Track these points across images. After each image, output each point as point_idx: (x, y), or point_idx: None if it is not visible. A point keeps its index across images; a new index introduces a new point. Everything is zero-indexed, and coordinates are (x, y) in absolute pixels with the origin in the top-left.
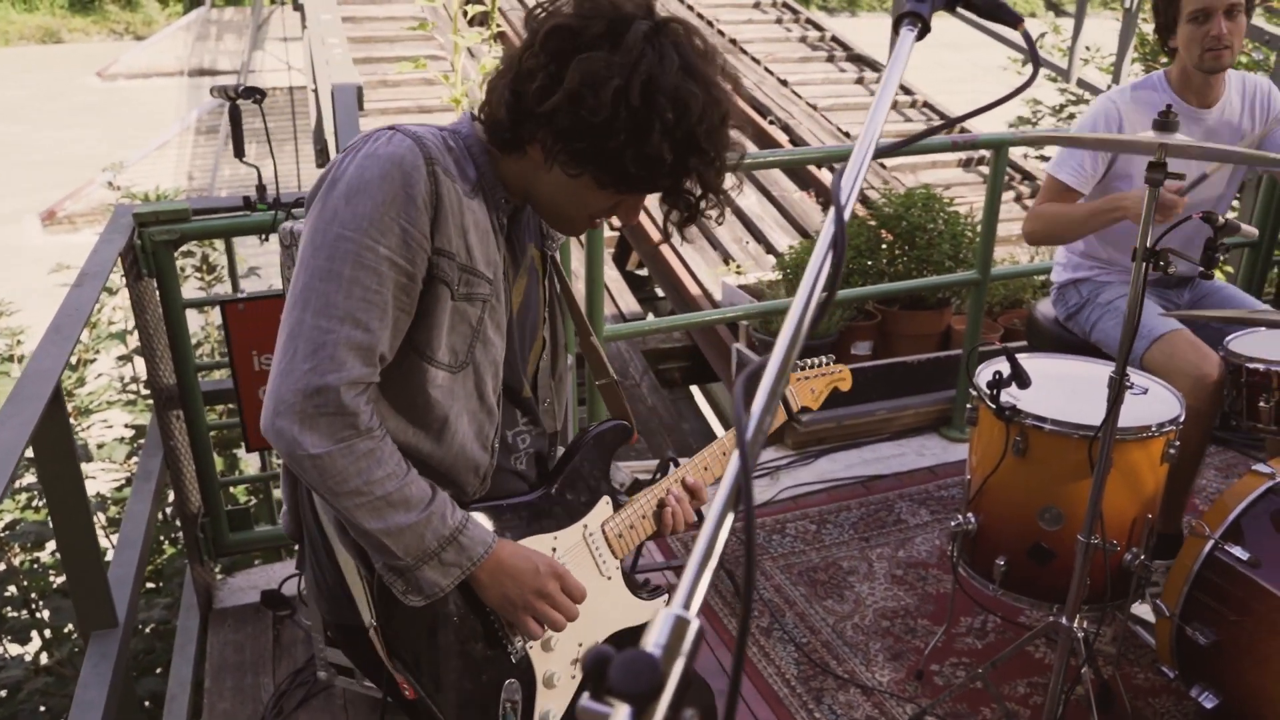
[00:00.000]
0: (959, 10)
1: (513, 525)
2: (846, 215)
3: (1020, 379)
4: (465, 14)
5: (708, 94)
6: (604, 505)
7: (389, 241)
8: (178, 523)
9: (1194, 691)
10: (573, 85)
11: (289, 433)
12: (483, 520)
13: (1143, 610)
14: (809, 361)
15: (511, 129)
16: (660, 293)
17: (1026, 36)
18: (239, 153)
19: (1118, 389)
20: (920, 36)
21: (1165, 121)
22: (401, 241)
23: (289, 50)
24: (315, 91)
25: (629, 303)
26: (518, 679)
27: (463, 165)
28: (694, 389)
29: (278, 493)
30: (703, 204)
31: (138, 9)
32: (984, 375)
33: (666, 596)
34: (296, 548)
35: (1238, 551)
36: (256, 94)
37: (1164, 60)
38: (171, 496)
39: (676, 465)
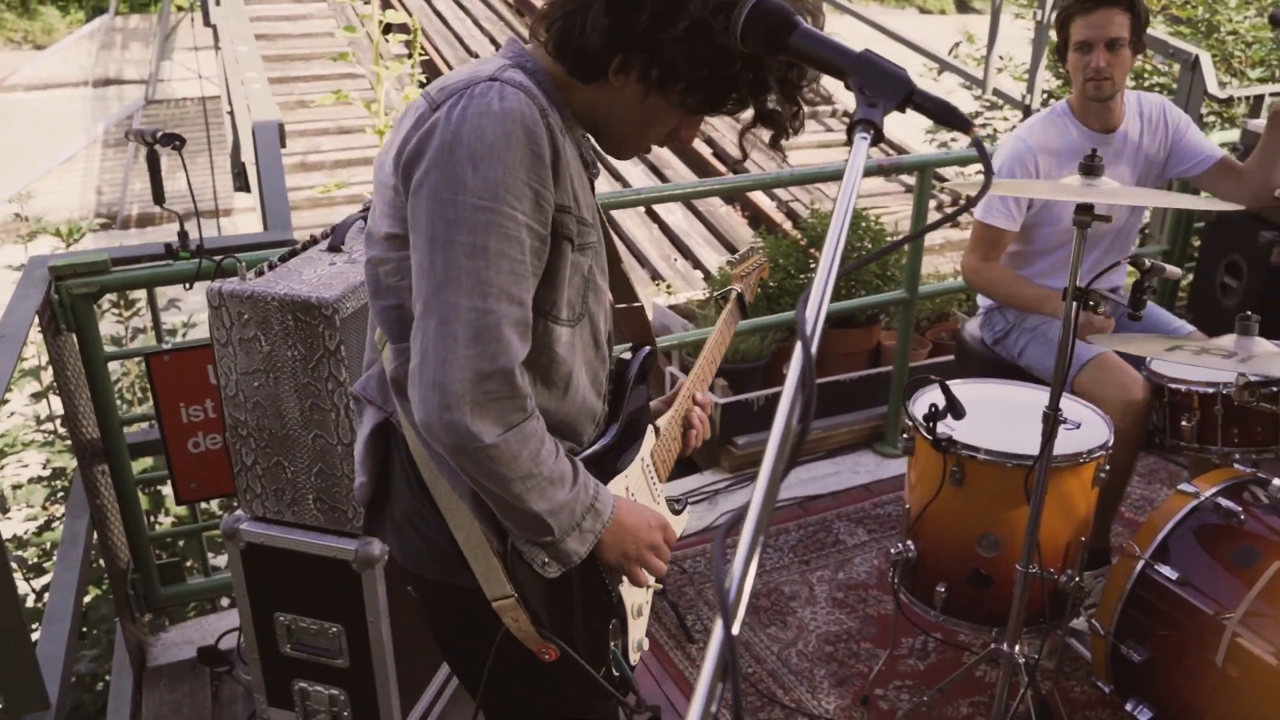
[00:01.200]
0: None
1: (600, 473)
2: (814, 349)
3: (955, 410)
4: (385, 31)
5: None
6: (650, 434)
7: (524, 206)
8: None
9: (1129, 705)
10: (700, 16)
11: (461, 424)
12: None
13: (1080, 622)
14: (741, 254)
15: (603, 58)
16: None
17: (977, 142)
18: (159, 199)
19: (1052, 424)
20: (875, 143)
21: (1090, 166)
22: (535, 204)
23: (199, 59)
24: (231, 114)
25: None
26: (617, 617)
27: (554, 108)
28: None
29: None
30: (797, 110)
31: (36, 17)
32: (920, 407)
33: (688, 504)
34: (365, 512)
35: (1167, 571)
36: (176, 140)
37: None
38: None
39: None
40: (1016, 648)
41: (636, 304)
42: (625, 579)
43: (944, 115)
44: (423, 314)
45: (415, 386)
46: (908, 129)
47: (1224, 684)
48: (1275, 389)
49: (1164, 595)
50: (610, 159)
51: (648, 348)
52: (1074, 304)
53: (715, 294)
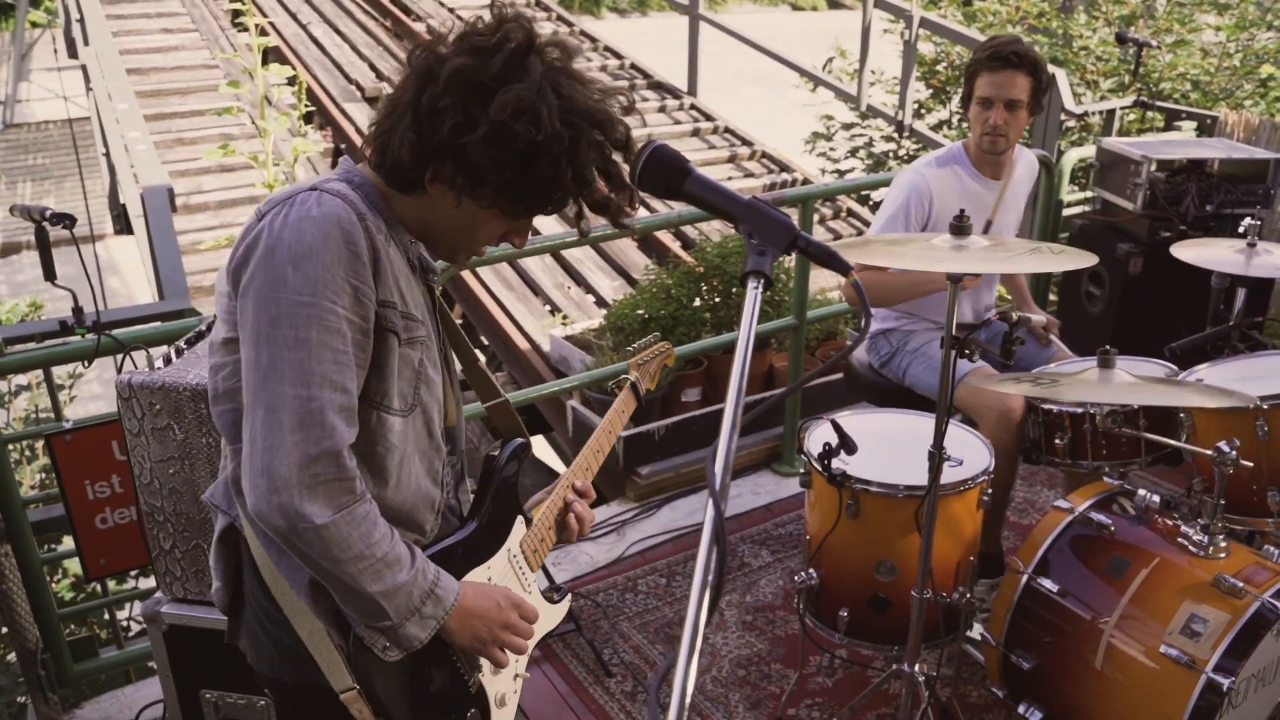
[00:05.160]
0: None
1: (456, 566)
2: (725, 507)
3: (847, 446)
4: (263, 62)
5: (608, 103)
6: (519, 525)
7: (343, 301)
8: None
9: (1021, 708)
10: (500, 120)
11: (291, 506)
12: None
13: (975, 630)
14: (640, 344)
15: (415, 170)
16: (485, 341)
17: (857, 286)
18: (49, 276)
19: (937, 463)
20: (766, 289)
21: (959, 226)
22: (354, 299)
23: (62, 79)
24: (107, 155)
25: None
26: (476, 708)
27: (374, 215)
28: (532, 440)
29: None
30: (619, 197)
31: None
32: (814, 444)
33: (570, 595)
34: (228, 619)
35: (1048, 583)
36: (66, 220)
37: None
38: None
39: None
40: (917, 666)
41: (500, 399)
42: (485, 667)
43: (825, 259)
44: (251, 405)
45: (246, 474)
46: (791, 140)
47: (1104, 684)
48: (1135, 407)
49: (1047, 606)
50: None
51: (518, 440)
52: (951, 353)
53: (610, 384)
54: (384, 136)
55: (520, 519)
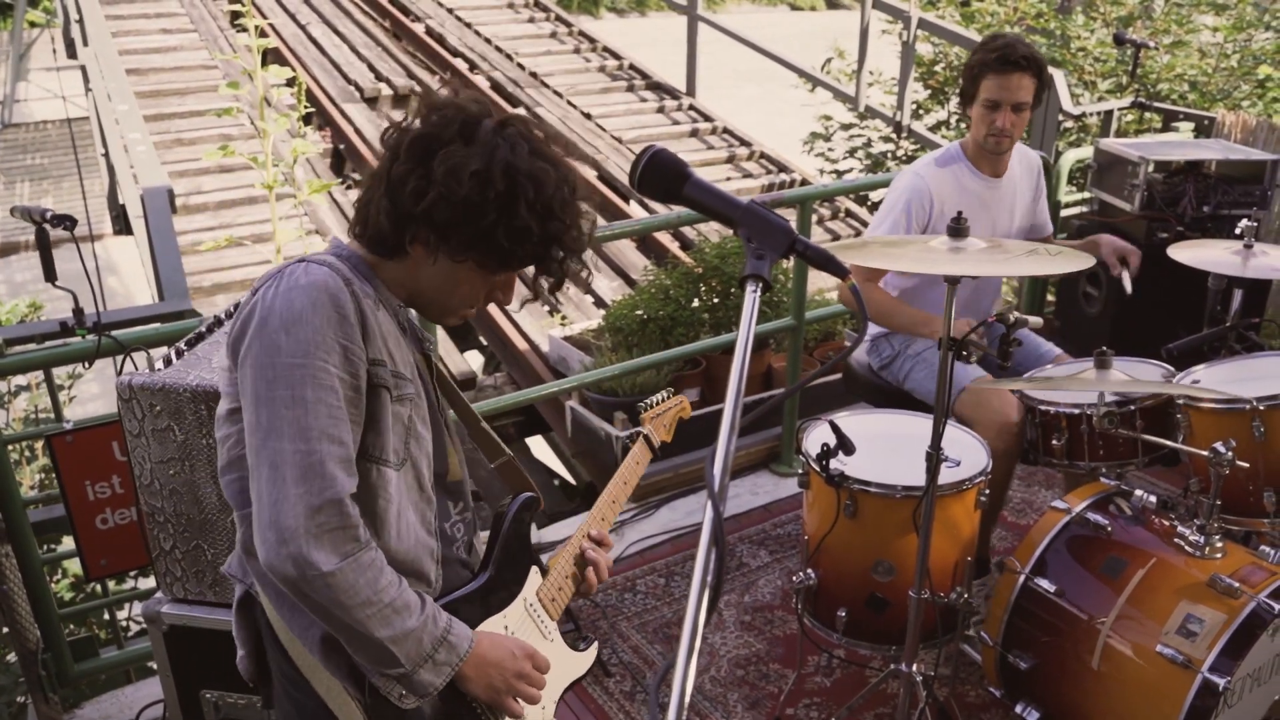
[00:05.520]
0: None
1: (470, 616)
2: (724, 508)
3: (845, 447)
4: (263, 64)
5: (557, 170)
6: (534, 575)
7: (334, 360)
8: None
9: (1019, 708)
10: (440, 177)
11: (300, 555)
12: None
13: (972, 629)
14: (653, 400)
15: (394, 234)
16: (484, 341)
17: (854, 289)
18: (50, 278)
19: (934, 464)
20: (765, 291)
21: (957, 229)
22: (344, 358)
23: (61, 79)
24: (106, 156)
25: (455, 361)
26: None
27: (362, 282)
28: (530, 441)
29: (127, 611)
30: (569, 265)
31: None
32: (813, 445)
33: (596, 642)
34: (260, 691)
35: (1045, 584)
36: (67, 221)
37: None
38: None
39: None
40: (914, 666)
41: (506, 457)
42: (514, 718)
43: (823, 263)
44: (255, 465)
45: (256, 531)
46: (790, 141)
47: (1101, 684)
48: (1132, 407)
49: (1044, 606)
50: None
51: (528, 494)
52: (948, 354)
53: (624, 435)
54: (364, 209)
55: (535, 569)
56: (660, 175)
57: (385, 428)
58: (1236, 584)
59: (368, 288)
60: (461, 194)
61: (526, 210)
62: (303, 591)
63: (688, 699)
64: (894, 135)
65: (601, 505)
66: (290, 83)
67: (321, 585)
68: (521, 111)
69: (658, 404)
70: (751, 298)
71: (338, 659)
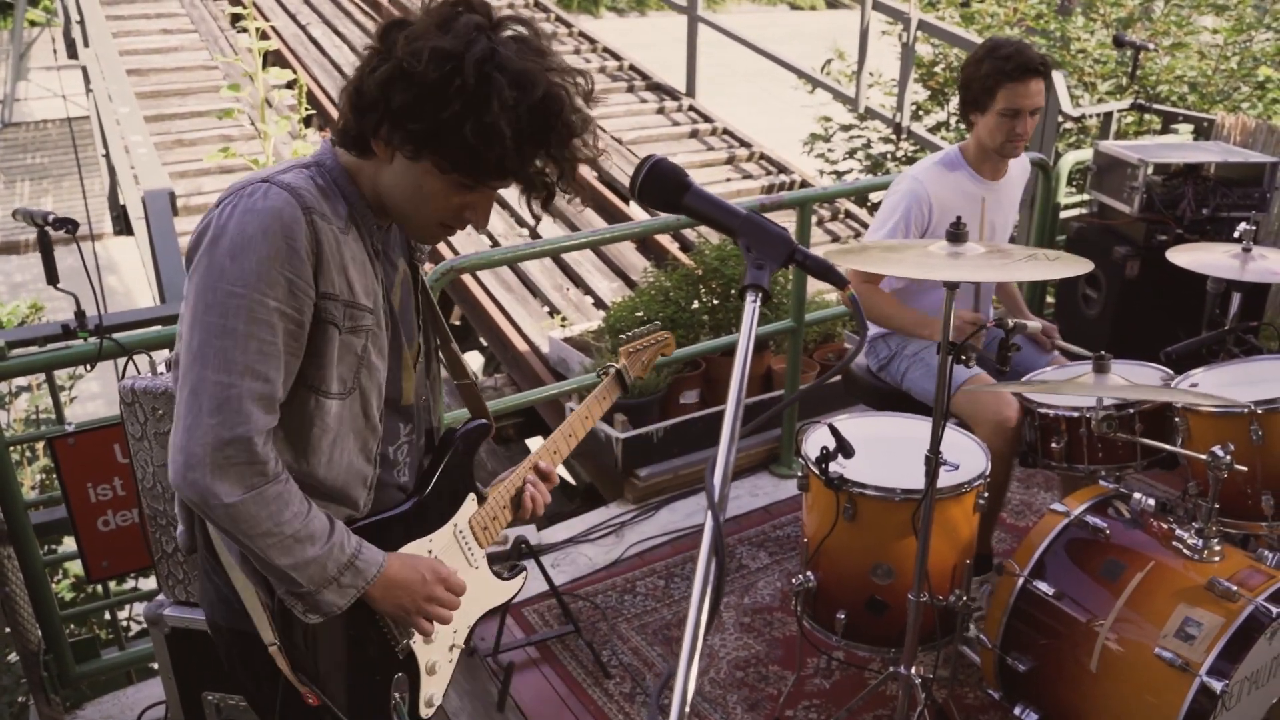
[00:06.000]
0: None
1: (394, 537)
2: (723, 516)
3: (844, 450)
4: (264, 65)
5: (557, 77)
6: (470, 502)
7: (277, 294)
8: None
9: (1017, 710)
10: (400, 52)
11: (201, 484)
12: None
13: (971, 631)
14: (636, 331)
15: (357, 125)
16: (484, 342)
17: (853, 300)
18: (52, 280)
19: (933, 467)
20: (764, 302)
21: (955, 234)
22: (288, 292)
23: (61, 78)
24: (107, 156)
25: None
26: (404, 672)
27: (334, 202)
28: (529, 441)
29: (126, 612)
30: (559, 185)
31: None
32: (812, 448)
33: (524, 574)
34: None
35: (1044, 586)
36: (69, 225)
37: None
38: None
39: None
40: (913, 668)
41: (468, 380)
42: (418, 635)
43: (822, 273)
44: (180, 384)
45: (170, 448)
46: (789, 142)
47: (1099, 686)
48: (1131, 411)
49: (1043, 608)
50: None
51: (479, 421)
52: (948, 358)
53: (598, 369)
54: (340, 111)
55: (472, 496)
56: (660, 186)
57: (328, 361)
58: (1235, 587)
59: (340, 206)
60: (418, 70)
61: (499, 108)
62: (204, 515)
63: (688, 706)
64: (894, 136)
65: (557, 438)
66: (291, 84)
67: (223, 513)
68: None
69: (640, 335)
70: (751, 308)
71: (249, 566)
